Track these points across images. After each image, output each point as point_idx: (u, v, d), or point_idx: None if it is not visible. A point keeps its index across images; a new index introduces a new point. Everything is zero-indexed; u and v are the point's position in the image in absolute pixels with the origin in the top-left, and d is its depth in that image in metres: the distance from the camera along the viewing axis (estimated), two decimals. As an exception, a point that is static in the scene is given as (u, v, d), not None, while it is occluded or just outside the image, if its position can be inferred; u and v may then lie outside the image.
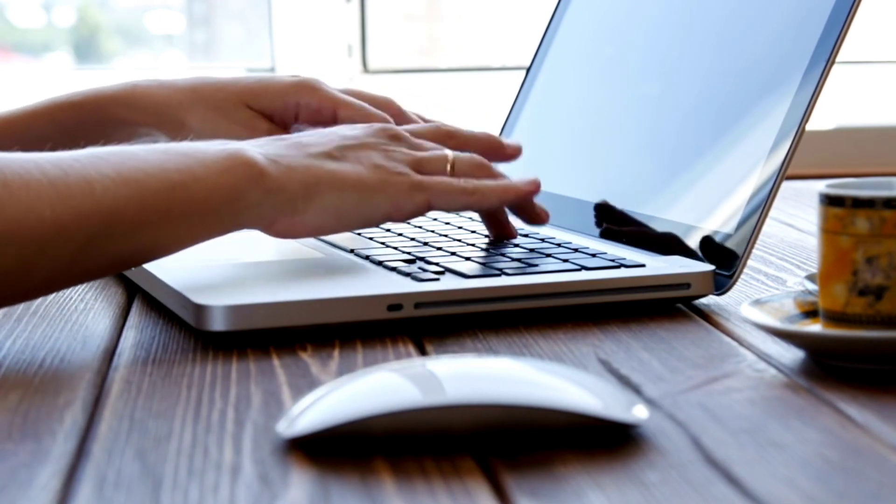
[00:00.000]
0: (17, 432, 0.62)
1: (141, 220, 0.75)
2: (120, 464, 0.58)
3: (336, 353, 0.75)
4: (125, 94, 0.98)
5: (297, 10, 2.19)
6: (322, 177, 0.80)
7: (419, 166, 0.85)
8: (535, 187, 0.88)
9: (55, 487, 0.55)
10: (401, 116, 0.99)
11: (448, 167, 0.86)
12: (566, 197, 1.01)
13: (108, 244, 0.75)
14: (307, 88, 0.97)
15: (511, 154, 0.95)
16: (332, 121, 0.96)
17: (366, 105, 0.97)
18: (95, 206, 0.73)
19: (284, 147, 0.82)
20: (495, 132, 1.16)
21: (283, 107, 0.97)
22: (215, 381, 0.70)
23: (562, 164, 1.06)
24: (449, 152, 0.87)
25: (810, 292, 0.75)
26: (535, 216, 0.92)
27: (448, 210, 0.86)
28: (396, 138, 0.86)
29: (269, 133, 0.96)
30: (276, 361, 0.73)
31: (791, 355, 0.73)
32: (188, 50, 2.42)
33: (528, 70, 1.15)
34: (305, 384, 0.69)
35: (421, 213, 0.83)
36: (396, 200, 0.82)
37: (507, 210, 0.93)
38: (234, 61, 2.32)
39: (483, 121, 2.12)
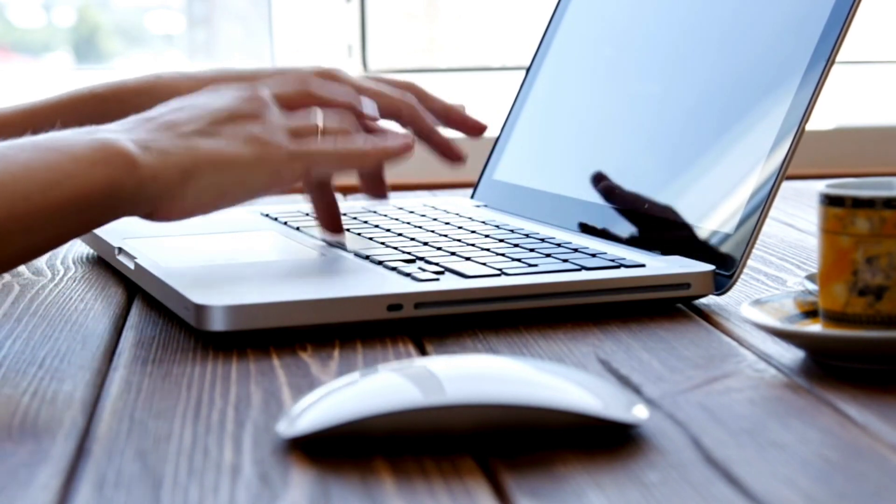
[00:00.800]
0: (17, 432, 0.62)
1: (14, 226, 0.74)
2: (120, 464, 0.58)
3: (336, 353, 0.75)
4: (149, 86, 0.98)
5: (297, 10, 2.19)
6: (198, 158, 0.79)
7: (293, 132, 0.84)
8: (408, 144, 0.87)
9: (55, 487, 0.55)
10: (425, 98, 0.98)
11: (318, 129, 0.85)
12: (566, 197, 1.01)
13: None
14: (326, 75, 0.97)
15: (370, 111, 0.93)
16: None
17: (388, 89, 0.96)
18: None
19: (155, 130, 0.80)
20: (494, 133, 1.16)
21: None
22: (215, 381, 0.70)
23: (562, 164, 1.06)
24: (318, 114, 0.86)
25: (810, 292, 0.75)
26: (380, 188, 0.93)
27: (328, 175, 0.86)
28: (265, 103, 0.84)
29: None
30: (276, 361, 0.73)
31: (791, 355, 0.73)
32: (188, 50, 2.42)
33: (528, 70, 1.15)
34: (305, 384, 0.69)
35: (300, 180, 0.83)
36: (275, 173, 0.81)
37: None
38: (233, 61, 2.32)
39: (483, 121, 2.12)
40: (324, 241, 0.95)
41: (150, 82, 0.98)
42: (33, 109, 0.98)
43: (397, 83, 0.98)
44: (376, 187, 0.94)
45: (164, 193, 0.78)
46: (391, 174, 0.93)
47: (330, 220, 0.93)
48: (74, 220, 0.75)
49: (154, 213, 0.79)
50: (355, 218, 1.04)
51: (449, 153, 0.96)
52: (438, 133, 0.96)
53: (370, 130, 0.90)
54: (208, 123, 0.81)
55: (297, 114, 0.86)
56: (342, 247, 0.92)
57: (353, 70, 2.21)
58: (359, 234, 0.97)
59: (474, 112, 1.00)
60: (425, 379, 0.61)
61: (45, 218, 0.74)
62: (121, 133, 0.78)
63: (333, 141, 0.84)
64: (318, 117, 0.85)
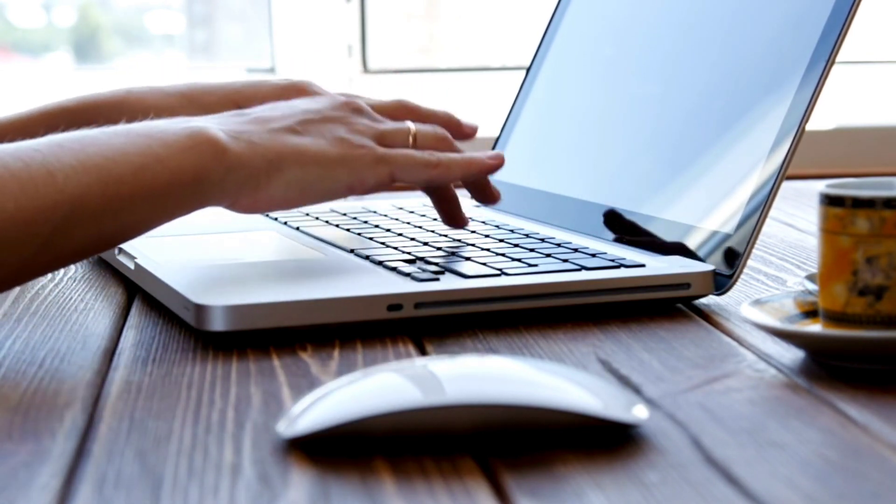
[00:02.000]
0: (17, 432, 0.62)
1: (105, 207, 0.75)
2: (120, 464, 0.58)
3: (336, 353, 0.75)
4: (118, 100, 0.98)
5: (297, 10, 2.19)
6: (284, 152, 0.81)
7: (382, 139, 0.86)
8: (498, 161, 0.90)
9: (55, 487, 0.55)
10: (415, 112, 0.97)
11: (410, 139, 0.87)
12: (566, 197, 1.01)
13: (73, 233, 0.75)
14: (298, 90, 0.97)
15: (468, 133, 0.97)
16: None
17: (378, 106, 0.96)
18: (59, 196, 0.73)
19: (246, 123, 0.82)
20: (494, 133, 1.16)
21: None
22: (215, 381, 0.70)
23: (562, 164, 1.06)
24: (411, 125, 0.88)
25: (810, 292, 0.75)
26: (489, 195, 0.94)
27: (411, 182, 0.87)
28: (358, 111, 0.87)
29: None
30: (276, 361, 0.73)
31: (791, 355, 0.73)
32: (188, 50, 2.42)
33: (528, 70, 1.15)
34: (305, 384, 0.69)
35: (384, 186, 0.84)
36: (359, 173, 0.83)
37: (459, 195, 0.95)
38: (234, 61, 2.32)
39: (483, 121, 2.12)
40: (324, 240, 0.95)
41: (120, 96, 0.98)
42: (5, 123, 0.98)
43: (386, 104, 0.96)
44: (482, 194, 0.95)
45: (250, 183, 0.80)
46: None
47: (450, 216, 0.95)
48: (163, 205, 0.77)
49: (238, 202, 0.81)
50: (355, 218, 1.04)
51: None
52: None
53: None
54: (298, 122, 0.83)
55: (390, 122, 0.88)
56: (342, 247, 0.92)
57: (352, 70, 2.21)
58: (359, 234, 0.97)
59: (463, 115, 1.00)
60: (425, 379, 0.61)
61: (137, 201, 0.76)
62: (212, 123, 0.80)
63: (422, 151, 0.87)
64: (411, 127, 0.88)
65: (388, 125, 0.87)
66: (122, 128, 0.79)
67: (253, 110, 0.85)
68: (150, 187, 0.76)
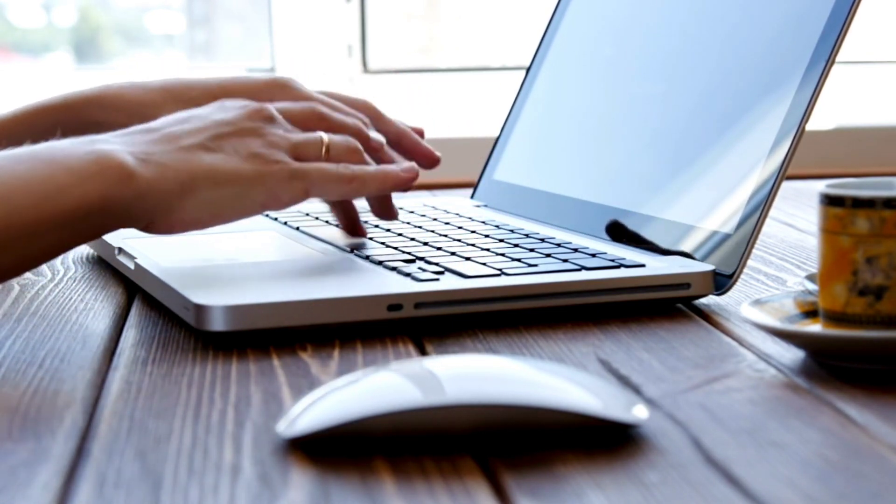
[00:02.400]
0: (17, 432, 0.62)
1: (11, 236, 0.74)
2: (120, 464, 0.58)
3: (336, 353, 0.75)
4: (98, 96, 0.97)
5: (297, 10, 2.19)
6: (197, 172, 0.79)
7: (296, 151, 0.84)
8: (413, 175, 0.88)
9: (55, 487, 0.55)
10: (379, 120, 0.98)
11: (323, 150, 0.85)
12: (566, 197, 1.01)
13: None
14: (279, 87, 0.97)
15: (391, 131, 0.96)
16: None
17: (340, 105, 0.95)
18: None
19: (156, 141, 0.80)
20: (494, 133, 1.15)
21: None
22: (215, 381, 0.70)
23: (562, 164, 1.06)
24: (324, 136, 0.86)
25: (810, 292, 0.75)
26: (390, 211, 0.93)
27: (326, 197, 0.87)
28: (270, 120, 0.84)
29: None
30: (276, 361, 0.73)
31: (791, 355, 0.73)
32: (188, 50, 2.42)
33: (528, 70, 1.15)
34: (305, 384, 0.69)
35: (299, 201, 0.83)
36: (273, 191, 0.81)
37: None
38: (234, 61, 2.32)
39: (483, 121, 2.12)
40: (324, 240, 0.95)
41: (99, 92, 0.97)
42: None
43: (352, 101, 0.97)
44: (384, 210, 0.94)
45: (161, 206, 0.78)
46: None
47: (351, 229, 0.95)
48: (70, 232, 0.75)
49: (151, 225, 0.79)
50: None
51: (397, 182, 0.90)
52: (387, 156, 0.93)
53: (377, 158, 0.91)
54: (210, 137, 0.81)
55: (302, 133, 0.86)
56: (342, 247, 0.92)
57: (352, 70, 2.21)
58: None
59: (430, 141, 1.00)
60: (425, 379, 0.61)
61: (42, 229, 0.74)
62: (119, 144, 0.78)
63: (336, 164, 0.85)
64: (324, 138, 0.86)
65: (301, 137, 0.85)
66: (26, 152, 0.76)
67: (163, 124, 0.82)
68: (53, 217, 0.74)
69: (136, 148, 0.78)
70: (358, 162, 0.86)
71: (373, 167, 0.87)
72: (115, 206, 0.76)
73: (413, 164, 0.90)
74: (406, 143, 0.98)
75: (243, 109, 0.84)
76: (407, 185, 0.88)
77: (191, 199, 0.78)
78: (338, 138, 0.86)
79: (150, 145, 0.79)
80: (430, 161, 0.98)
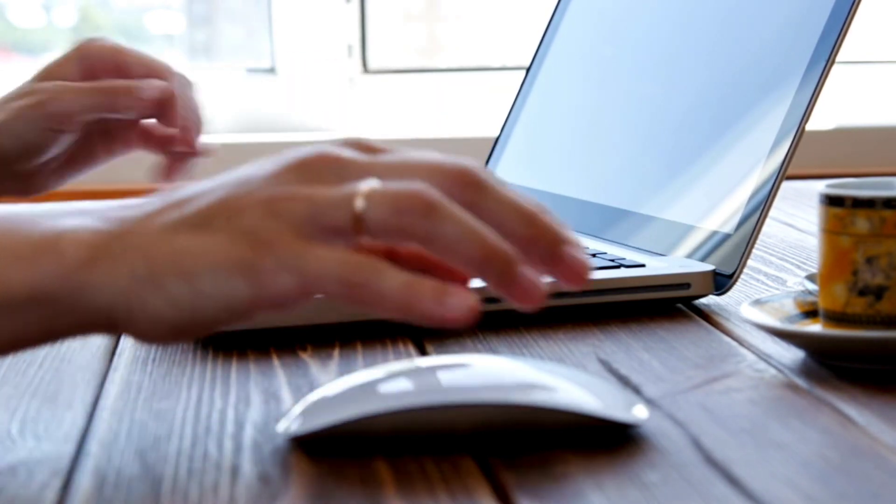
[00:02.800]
0: (17, 432, 0.62)
1: None
2: (120, 464, 0.58)
3: (336, 353, 0.75)
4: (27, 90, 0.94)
5: (297, 10, 2.18)
6: (157, 259, 0.58)
7: (319, 220, 0.58)
8: (470, 312, 0.57)
9: (55, 487, 0.55)
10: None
11: (355, 208, 0.57)
12: (566, 197, 1.01)
13: None
14: (89, 49, 0.91)
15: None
16: (116, 69, 0.93)
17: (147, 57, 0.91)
18: None
19: (138, 217, 0.60)
20: (494, 133, 1.15)
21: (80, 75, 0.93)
22: (215, 381, 0.70)
23: (561, 164, 1.06)
24: (362, 187, 0.57)
25: (810, 292, 0.75)
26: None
27: (331, 300, 0.58)
28: (309, 171, 0.59)
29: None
30: (276, 361, 0.73)
31: (791, 355, 0.73)
32: (188, 50, 2.42)
33: (527, 70, 1.15)
34: (305, 384, 0.69)
35: (293, 300, 0.58)
36: (258, 284, 0.57)
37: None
38: (234, 61, 2.32)
39: (483, 121, 2.12)
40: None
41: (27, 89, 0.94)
42: None
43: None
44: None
45: (120, 305, 0.58)
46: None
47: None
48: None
49: (119, 328, 0.59)
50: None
51: None
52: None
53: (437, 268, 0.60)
54: (206, 209, 0.59)
55: (334, 188, 0.58)
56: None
57: (352, 70, 2.21)
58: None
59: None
60: (425, 379, 0.61)
61: None
62: (89, 222, 0.60)
63: (350, 257, 0.57)
64: (360, 190, 0.58)
65: (332, 193, 0.58)
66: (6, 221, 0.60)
67: (169, 195, 0.61)
68: None
69: (101, 229, 0.59)
70: (412, 236, 0.57)
71: (405, 276, 0.57)
72: (51, 301, 0.58)
73: (471, 299, 0.57)
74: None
75: (285, 162, 0.60)
76: (456, 322, 0.57)
77: (155, 296, 0.58)
78: (390, 191, 0.57)
79: (123, 227, 0.59)
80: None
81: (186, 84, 0.94)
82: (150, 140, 0.96)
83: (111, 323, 0.59)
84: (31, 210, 0.61)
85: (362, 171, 0.59)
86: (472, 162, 0.59)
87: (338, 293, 0.57)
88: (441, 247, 0.57)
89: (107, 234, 0.59)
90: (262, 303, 0.58)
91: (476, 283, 0.58)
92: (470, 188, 0.58)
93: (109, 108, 0.87)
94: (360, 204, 0.57)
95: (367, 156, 0.60)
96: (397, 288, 0.57)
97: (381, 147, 0.61)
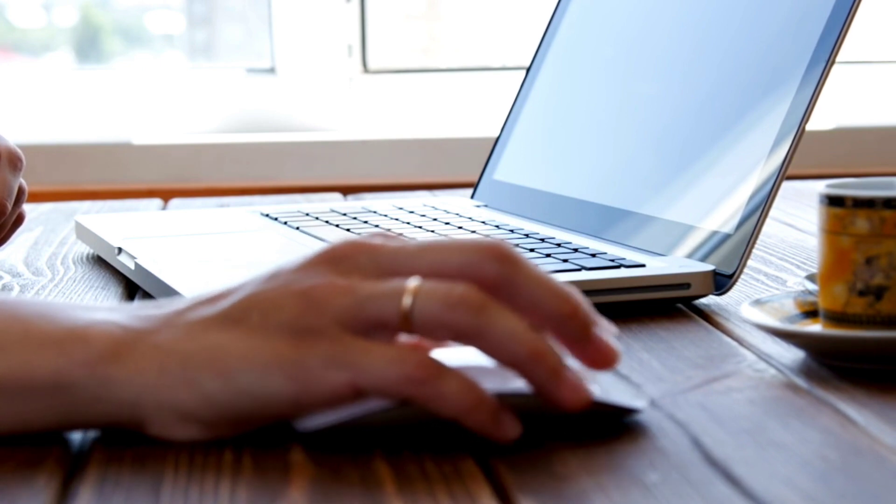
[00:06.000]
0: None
1: None
2: (120, 464, 0.58)
3: (336, 353, 0.75)
4: None
5: (297, 10, 2.18)
6: (192, 356, 0.58)
7: (361, 313, 0.57)
8: (514, 435, 0.58)
9: (55, 487, 0.55)
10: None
11: (403, 309, 0.57)
12: (566, 197, 1.01)
13: None
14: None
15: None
16: None
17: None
18: None
19: (169, 314, 0.60)
20: (494, 133, 1.15)
21: None
22: (215, 381, 0.70)
23: (562, 164, 1.06)
24: (412, 283, 0.57)
25: (810, 292, 0.75)
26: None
27: (384, 398, 0.57)
28: (356, 261, 0.59)
29: None
30: (276, 361, 0.73)
31: (791, 355, 0.73)
32: (188, 50, 2.42)
33: (528, 70, 1.15)
34: (305, 384, 0.69)
35: (341, 397, 0.57)
36: (304, 381, 0.57)
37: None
38: (234, 61, 2.32)
39: (483, 121, 2.12)
40: (324, 240, 0.95)
41: None
42: None
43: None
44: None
45: (148, 401, 0.58)
46: (390, 174, 0.92)
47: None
48: (7, 407, 0.59)
49: (144, 426, 0.59)
50: (355, 218, 1.04)
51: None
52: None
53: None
54: (241, 303, 0.59)
55: (381, 283, 0.58)
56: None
57: (352, 70, 2.21)
58: (359, 235, 0.96)
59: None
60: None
61: None
62: (120, 317, 0.60)
63: (404, 350, 0.57)
64: (411, 284, 0.57)
65: (377, 287, 0.57)
66: (30, 303, 0.62)
67: (202, 294, 0.60)
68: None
69: (132, 323, 0.59)
70: (462, 333, 0.57)
71: (467, 382, 0.57)
72: (73, 390, 0.58)
73: (586, 388, 0.58)
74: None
75: (319, 254, 0.59)
76: (502, 439, 0.57)
77: (189, 395, 0.57)
78: (440, 289, 0.57)
79: (153, 323, 0.59)
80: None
81: (6, 156, 0.93)
82: None
83: (136, 419, 0.59)
84: (63, 302, 0.63)
85: (396, 259, 0.59)
86: (500, 241, 0.59)
87: (395, 391, 0.56)
88: (489, 344, 0.57)
89: (137, 330, 0.59)
90: (309, 401, 0.57)
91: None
92: (507, 263, 0.58)
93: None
94: (408, 301, 0.56)
95: (397, 244, 0.59)
96: (458, 392, 0.56)
97: (405, 239, 0.61)
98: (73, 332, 0.59)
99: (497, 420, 0.57)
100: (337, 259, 0.59)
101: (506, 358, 0.57)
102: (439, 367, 0.56)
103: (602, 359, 0.59)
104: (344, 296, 0.57)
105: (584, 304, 0.59)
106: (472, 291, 0.56)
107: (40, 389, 0.58)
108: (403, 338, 0.58)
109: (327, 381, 0.56)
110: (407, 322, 0.57)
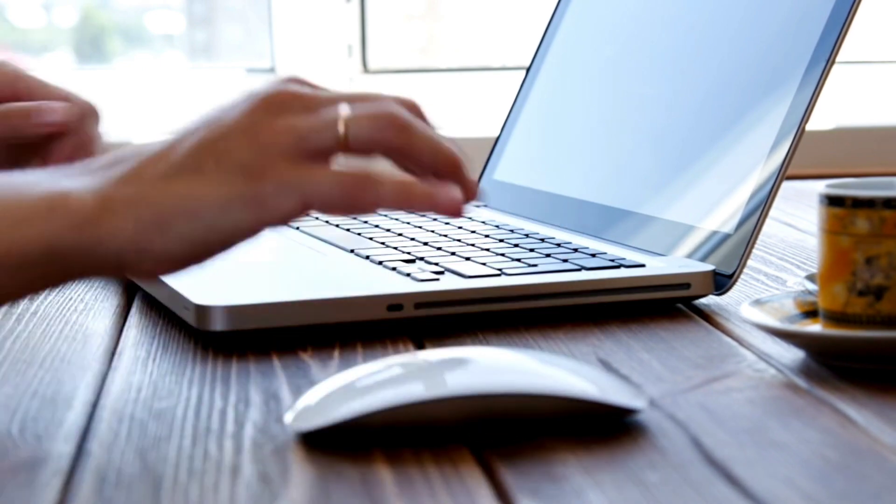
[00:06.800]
0: (17, 432, 0.62)
1: None
2: (120, 464, 0.58)
3: (336, 353, 0.75)
4: None
5: (297, 10, 2.18)
6: (165, 206, 0.65)
7: (303, 144, 0.66)
8: (456, 206, 0.67)
9: (55, 487, 0.55)
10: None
11: (339, 132, 0.66)
12: (566, 197, 1.01)
13: None
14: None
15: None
16: (14, 94, 0.93)
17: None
18: None
19: (127, 175, 0.66)
20: (494, 133, 1.15)
21: None
22: (215, 381, 0.70)
23: (561, 164, 1.06)
24: (344, 109, 0.66)
25: (810, 292, 0.75)
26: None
27: (332, 212, 0.67)
28: (282, 106, 0.67)
29: None
30: (276, 361, 0.73)
31: (791, 355, 0.73)
32: (188, 50, 2.42)
33: (528, 70, 1.15)
34: (305, 384, 0.69)
35: (296, 215, 0.66)
36: (262, 210, 0.65)
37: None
38: (234, 61, 2.32)
39: (483, 121, 2.12)
40: (324, 240, 0.95)
41: None
42: None
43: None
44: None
45: (129, 251, 0.64)
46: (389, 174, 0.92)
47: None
48: (10, 280, 0.64)
49: (123, 271, 0.66)
50: (355, 217, 1.04)
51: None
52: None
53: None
54: (193, 153, 0.66)
55: (314, 116, 0.67)
56: (342, 247, 0.92)
57: (352, 70, 2.21)
58: (359, 234, 0.97)
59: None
60: (423, 372, 0.61)
61: None
62: (83, 181, 0.66)
63: (343, 169, 0.66)
64: (344, 110, 0.66)
65: (310, 122, 0.66)
66: None
67: (146, 149, 0.67)
68: None
69: (100, 185, 0.65)
70: (390, 147, 0.67)
71: (395, 177, 0.67)
72: (66, 254, 0.64)
73: (458, 200, 0.67)
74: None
75: (252, 101, 0.67)
76: (451, 214, 0.67)
77: (163, 238, 0.65)
78: (365, 108, 0.66)
79: (119, 182, 0.66)
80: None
81: (88, 109, 0.95)
82: (60, 159, 0.95)
83: (120, 266, 0.65)
84: (21, 175, 0.68)
85: (324, 102, 0.67)
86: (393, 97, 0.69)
87: (340, 205, 0.65)
88: (414, 156, 0.67)
89: (108, 190, 0.65)
90: (267, 225, 0.66)
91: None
92: (413, 111, 0.69)
93: (6, 131, 0.86)
94: (342, 127, 0.66)
95: (318, 90, 0.68)
96: (393, 190, 0.66)
97: (317, 84, 0.69)
98: (53, 202, 0.64)
99: (433, 196, 0.66)
100: (271, 103, 0.67)
101: (428, 166, 0.67)
102: (374, 175, 0.65)
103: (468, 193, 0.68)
104: (287, 134, 0.66)
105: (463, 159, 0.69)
106: (398, 113, 0.67)
107: (35, 260, 0.64)
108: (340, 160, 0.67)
109: (281, 207, 0.65)
110: (345, 145, 0.66)
